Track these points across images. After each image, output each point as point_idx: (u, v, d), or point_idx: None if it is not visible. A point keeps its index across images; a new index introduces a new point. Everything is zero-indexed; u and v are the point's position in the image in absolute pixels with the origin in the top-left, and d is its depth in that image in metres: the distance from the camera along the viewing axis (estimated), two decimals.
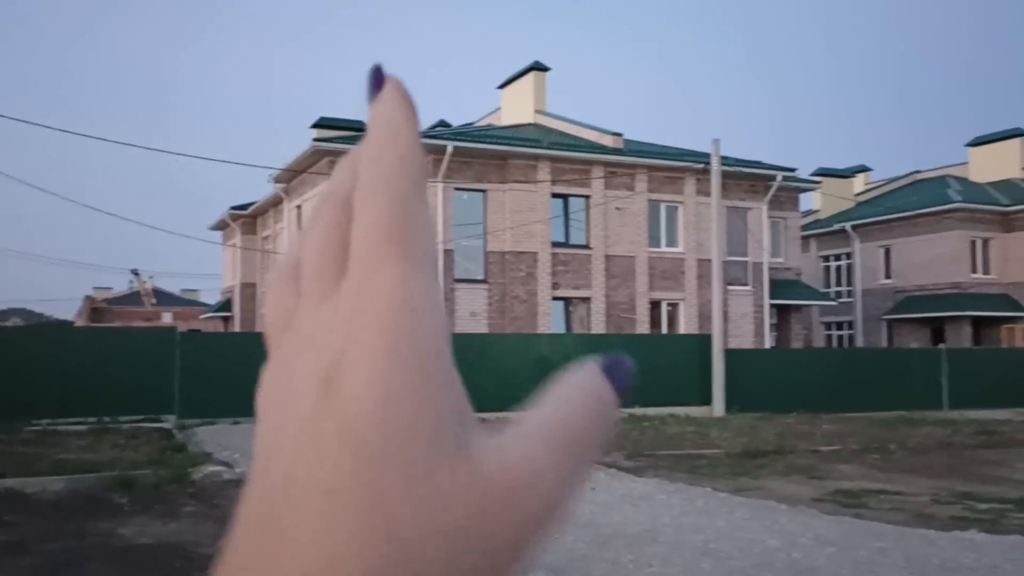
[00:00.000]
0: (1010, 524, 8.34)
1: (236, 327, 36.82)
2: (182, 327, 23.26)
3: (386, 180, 0.29)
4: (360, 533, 0.24)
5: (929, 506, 9.43)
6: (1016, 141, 38.29)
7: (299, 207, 27.73)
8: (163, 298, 69.52)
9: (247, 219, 36.58)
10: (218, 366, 17.93)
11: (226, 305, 39.32)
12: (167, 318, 58.58)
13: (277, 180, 28.71)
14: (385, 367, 0.26)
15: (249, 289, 36.61)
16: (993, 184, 37.53)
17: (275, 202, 32.02)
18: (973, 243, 33.70)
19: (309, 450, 0.25)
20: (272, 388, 0.32)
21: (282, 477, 0.26)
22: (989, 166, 38.86)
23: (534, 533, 0.26)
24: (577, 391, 0.32)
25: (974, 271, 33.64)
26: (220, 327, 40.65)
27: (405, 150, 0.29)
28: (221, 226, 39.57)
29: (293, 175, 27.41)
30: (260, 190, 33.54)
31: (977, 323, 33.32)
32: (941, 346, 24.83)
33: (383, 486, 0.24)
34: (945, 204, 33.50)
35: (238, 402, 17.67)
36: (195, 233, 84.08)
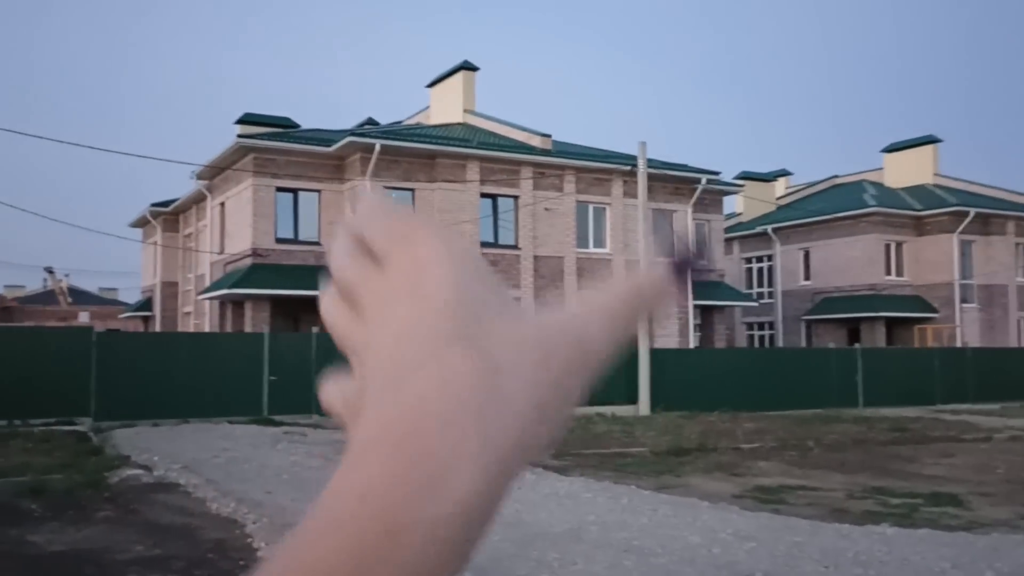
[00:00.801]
0: (920, 518, 8.65)
1: (157, 327, 35.88)
2: (100, 327, 22.51)
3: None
4: (485, 411, 0.29)
5: (844, 501, 9.72)
6: (929, 148, 39.79)
7: (222, 204, 27.14)
8: (79, 297, 67.21)
9: (169, 216, 35.67)
10: (137, 367, 17.45)
11: (146, 304, 38.27)
12: (84, 317, 56.63)
13: (200, 177, 28.05)
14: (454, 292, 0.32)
15: (170, 288, 35.70)
16: (907, 189, 38.93)
17: (198, 199, 31.29)
18: (888, 246, 34.89)
19: (434, 366, 0.30)
20: (375, 348, 0.33)
21: (416, 398, 0.29)
22: (903, 172, 40.30)
23: (591, 365, 0.33)
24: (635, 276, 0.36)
25: (888, 273, 34.83)
26: (140, 327, 39.57)
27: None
28: (141, 223, 38.51)
29: (216, 172, 26.82)
30: (182, 187, 32.75)
31: (891, 323, 34.52)
32: (857, 346, 25.63)
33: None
34: (861, 208, 34.62)
35: (158, 403, 17.25)
36: (114, 230, 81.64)
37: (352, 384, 0.34)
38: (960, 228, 33.89)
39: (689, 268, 0.37)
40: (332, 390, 0.35)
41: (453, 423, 0.29)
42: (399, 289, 0.33)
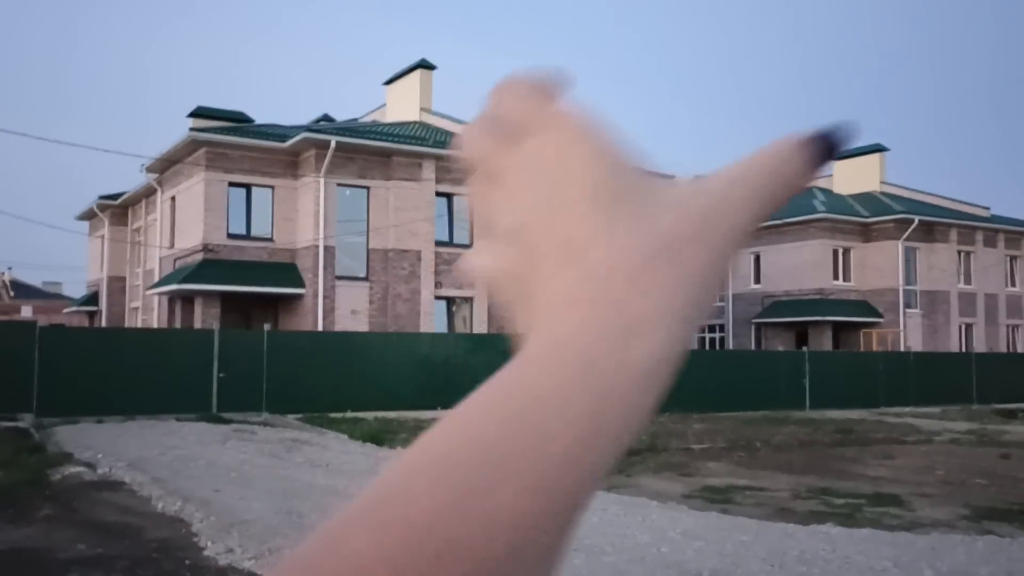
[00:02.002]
0: (863, 518, 8.84)
1: (103, 322, 35.18)
2: (43, 321, 21.99)
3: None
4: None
5: (790, 501, 9.89)
6: (876, 156, 40.75)
7: (173, 198, 26.70)
8: (22, 291, 65.59)
9: (117, 209, 34.97)
10: (82, 363, 17.09)
11: (92, 299, 37.47)
12: (26, 312, 55.22)
13: (150, 170, 27.56)
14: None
15: (118, 282, 35.02)
16: (854, 196, 39.79)
17: (148, 192, 30.73)
18: (835, 252, 35.58)
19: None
20: (536, 225, 0.34)
21: (600, 266, 0.32)
22: (851, 179, 41.19)
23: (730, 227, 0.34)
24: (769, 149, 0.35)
25: (836, 278, 35.53)
26: (85, 322, 38.73)
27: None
28: (89, 216, 37.72)
29: (167, 165, 26.36)
30: (132, 180, 32.12)
31: (837, 328, 35.21)
32: (804, 349, 26.09)
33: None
34: (810, 214, 35.25)
35: (103, 400, 16.90)
36: (60, 223, 79.70)
37: (509, 257, 0.34)
38: (905, 235, 34.70)
39: (836, 150, 0.34)
40: (482, 259, 0.36)
41: (639, 286, 0.31)
42: (550, 166, 0.34)
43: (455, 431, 0.28)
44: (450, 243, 24.93)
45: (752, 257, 38.02)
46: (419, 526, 0.25)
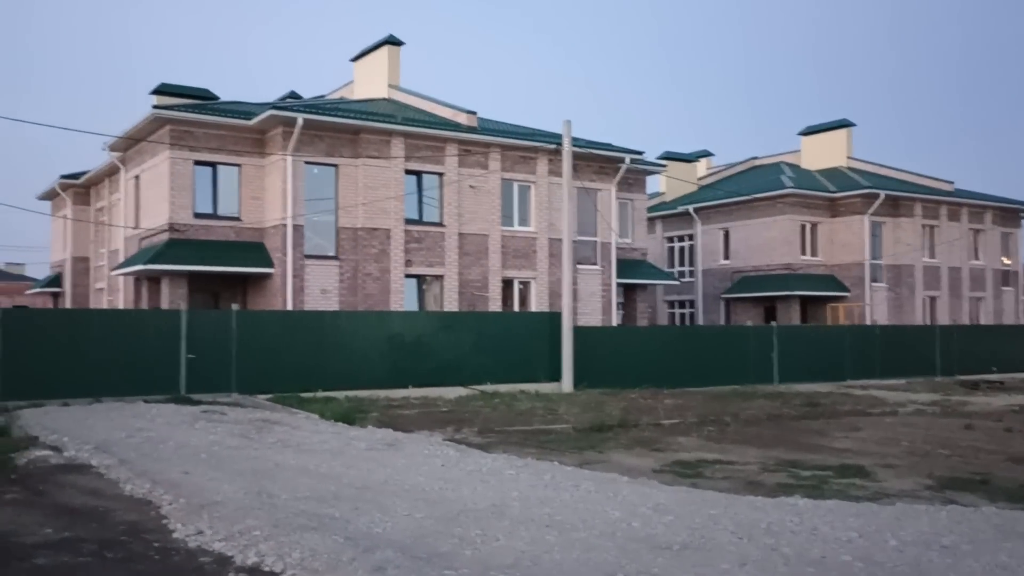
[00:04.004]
0: (829, 490, 8.99)
1: (67, 303, 34.69)
2: (5, 303, 21.63)
3: None
4: None
5: (758, 474, 10.03)
6: (843, 131, 41.11)
7: (137, 177, 26.28)
8: None
9: (79, 189, 34.39)
10: (46, 345, 16.85)
11: (56, 280, 36.90)
12: None
13: (113, 148, 27.08)
14: None
15: (82, 263, 34.50)
16: (822, 171, 40.15)
17: (111, 171, 30.24)
18: (803, 227, 35.91)
19: None
20: None
21: None
22: (819, 154, 41.55)
23: None
24: None
25: (804, 253, 35.88)
26: (49, 303, 38.17)
27: None
28: (51, 196, 37.06)
29: (131, 143, 25.93)
30: (94, 159, 31.54)
31: (805, 302, 35.63)
32: (773, 324, 26.37)
33: None
34: (778, 190, 35.52)
35: (69, 382, 16.69)
36: (21, 203, 78.16)
37: None
38: (871, 210, 35.10)
39: None
40: None
41: None
42: None
43: None
44: (420, 221, 24.80)
45: (722, 233, 38.27)
46: None
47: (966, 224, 38.52)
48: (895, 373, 26.45)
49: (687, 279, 39.48)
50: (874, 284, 35.43)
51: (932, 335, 28.49)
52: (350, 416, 14.43)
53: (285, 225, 22.81)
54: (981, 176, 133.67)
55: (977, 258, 39.18)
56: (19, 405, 15.44)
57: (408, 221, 24.48)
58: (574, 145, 22.38)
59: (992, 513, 7.73)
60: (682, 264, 40.56)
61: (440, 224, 25.05)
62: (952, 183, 39.13)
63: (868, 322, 33.65)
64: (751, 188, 37.52)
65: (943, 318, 36.40)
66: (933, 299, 37.28)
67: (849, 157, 40.96)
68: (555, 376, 21.15)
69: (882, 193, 35.02)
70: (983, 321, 38.53)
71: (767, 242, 36.00)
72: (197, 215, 23.40)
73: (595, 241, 27.91)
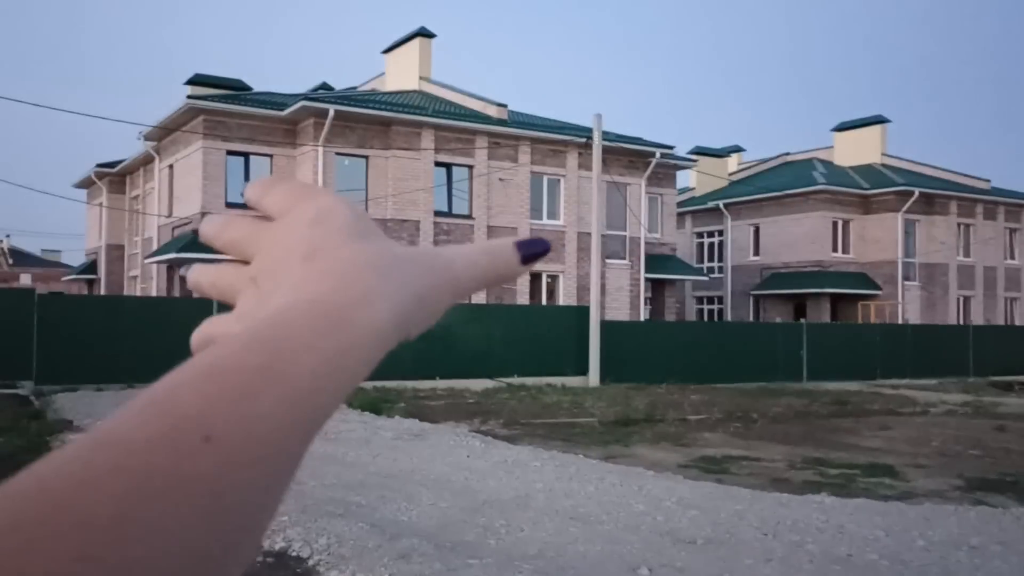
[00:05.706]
0: (856, 488, 8.92)
1: (101, 290, 35.18)
2: (42, 289, 21.98)
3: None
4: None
5: (785, 471, 9.97)
6: (877, 128, 40.50)
7: (171, 167, 26.59)
8: (21, 258, 65.55)
9: (115, 177, 34.85)
10: (81, 330, 17.12)
11: (91, 267, 37.46)
12: (25, 279, 55.22)
13: (148, 138, 27.43)
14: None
15: (116, 251, 34.98)
16: (855, 168, 39.64)
17: (145, 161, 30.61)
18: (835, 224, 35.53)
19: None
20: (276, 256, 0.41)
21: (339, 261, 0.39)
22: (852, 151, 41.00)
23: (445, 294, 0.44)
24: (491, 245, 0.46)
25: (835, 250, 35.51)
26: (84, 290, 38.74)
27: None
28: (87, 184, 37.58)
29: (165, 133, 26.24)
30: (129, 148, 31.97)
31: (835, 300, 35.25)
32: (802, 321, 26.15)
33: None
34: (810, 186, 35.15)
35: (103, 368, 16.96)
36: (58, 190, 79.47)
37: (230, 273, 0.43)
38: (905, 208, 34.64)
39: (537, 257, 0.45)
40: (205, 274, 0.45)
41: (376, 272, 0.39)
42: (301, 222, 0.41)
43: (232, 345, 0.34)
44: (449, 213, 24.88)
45: (752, 229, 37.97)
46: (190, 416, 0.30)
47: (1002, 223, 37.91)
48: (927, 373, 26.12)
49: (716, 275, 39.20)
50: (907, 283, 34.99)
51: (965, 335, 28.10)
52: (377, 406, 14.54)
53: None
54: (1019, 174, 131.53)
55: (1013, 257, 38.55)
56: (54, 389, 15.74)
57: (437, 213, 24.56)
58: (604, 139, 22.31)
59: (1022, 514, 7.65)
60: (711, 260, 40.29)
61: (469, 216, 25.10)
62: (988, 181, 38.52)
63: (900, 321, 33.24)
64: (782, 184, 37.17)
65: (977, 318, 35.85)
66: (967, 299, 36.74)
67: (883, 154, 40.40)
68: (582, 370, 21.14)
69: (916, 191, 34.54)
70: (1018, 322, 37.92)
71: (798, 239, 35.66)
72: (228, 204, 23.64)
73: (624, 236, 27.82)
